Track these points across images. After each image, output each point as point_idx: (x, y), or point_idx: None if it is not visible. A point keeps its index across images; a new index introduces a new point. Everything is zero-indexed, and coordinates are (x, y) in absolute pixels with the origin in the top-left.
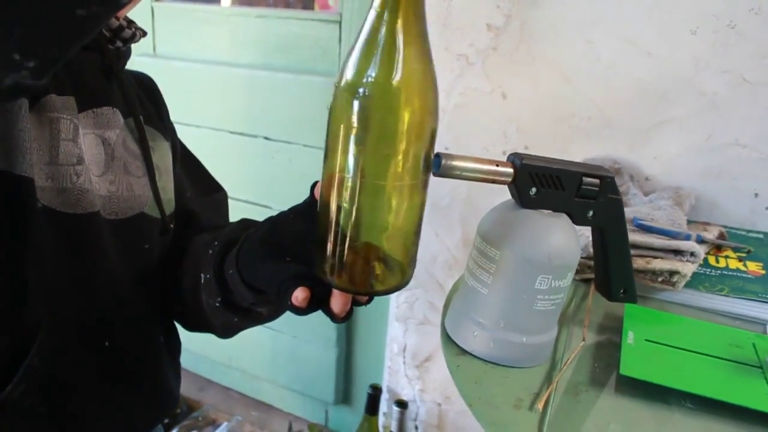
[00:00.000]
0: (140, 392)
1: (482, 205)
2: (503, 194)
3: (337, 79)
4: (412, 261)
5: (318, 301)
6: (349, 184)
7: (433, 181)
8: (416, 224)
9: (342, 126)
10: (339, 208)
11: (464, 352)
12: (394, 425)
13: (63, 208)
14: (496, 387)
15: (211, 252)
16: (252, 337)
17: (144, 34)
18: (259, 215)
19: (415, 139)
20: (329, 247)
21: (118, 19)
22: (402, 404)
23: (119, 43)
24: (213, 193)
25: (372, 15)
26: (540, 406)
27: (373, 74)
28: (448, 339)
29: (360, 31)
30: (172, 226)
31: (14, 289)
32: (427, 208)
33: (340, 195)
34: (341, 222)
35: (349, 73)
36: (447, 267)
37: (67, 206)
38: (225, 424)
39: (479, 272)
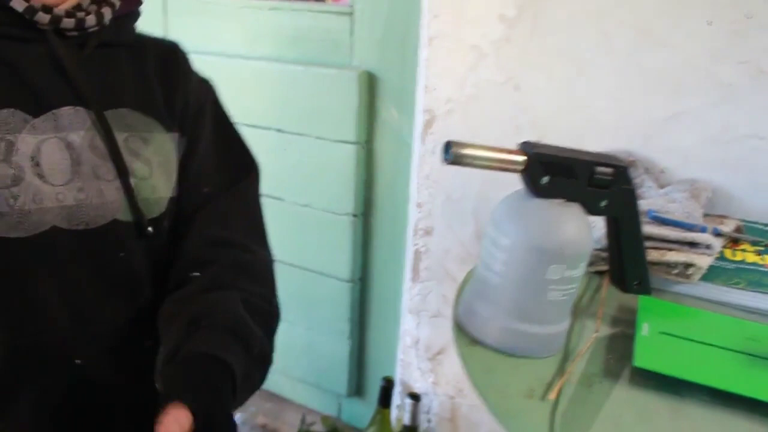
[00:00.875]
0: (127, 401)
1: (495, 198)
2: (517, 187)
3: None
4: None
5: None
6: None
7: (446, 173)
8: None
9: None
10: None
11: (476, 341)
12: (406, 418)
13: (4, 233)
14: (507, 377)
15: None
16: None
17: (112, 8)
18: (271, 207)
19: None
20: None
21: (50, 11)
22: (415, 397)
23: (74, 33)
24: (235, 184)
25: None
26: (552, 396)
27: None
28: (459, 329)
29: None
30: (150, 229)
31: None
32: (439, 201)
33: None
34: None
35: None
36: (459, 260)
37: (9, 230)
38: (238, 415)
39: (491, 261)
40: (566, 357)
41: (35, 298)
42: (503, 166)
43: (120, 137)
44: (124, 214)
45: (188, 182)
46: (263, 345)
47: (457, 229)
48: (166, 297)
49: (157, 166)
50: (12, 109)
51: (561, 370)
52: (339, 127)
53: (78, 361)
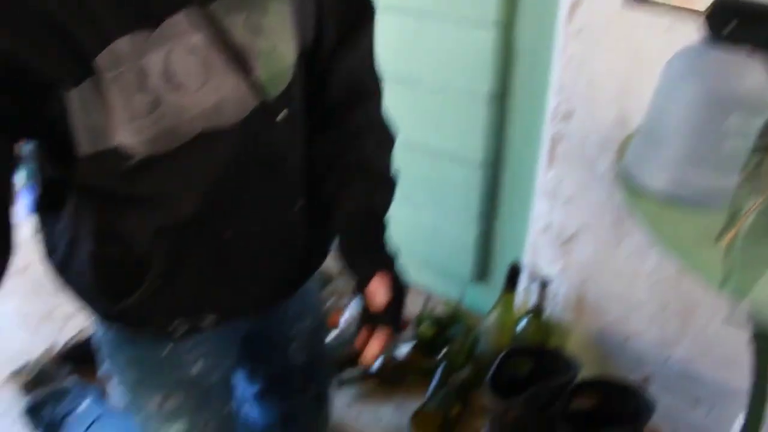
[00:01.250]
0: (280, 266)
1: (642, 83)
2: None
3: None
4: None
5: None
6: None
7: (590, 56)
8: None
9: None
10: None
11: (644, 191)
12: (532, 302)
13: (159, 150)
14: (678, 224)
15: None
16: (392, 210)
17: None
18: (408, 89)
19: None
20: None
21: None
22: (542, 282)
23: None
24: (357, 28)
25: None
26: (725, 242)
27: None
28: (626, 178)
29: None
30: (285, 112)
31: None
32: (582, 85)
33: None
34: None
35: None
36: (598, 146)
37: (161, 148)
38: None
39: (667, 110)
40: (736, 213)
41: (184, 189)
42: (687, 6)
43: (239, 19)
44: (261, 102)
45: (317, 33)
46: (396, 176)
47: (598, 114)
48: (313, 147)
49: (278, 34)
50: (128, 36)
51: (730, 223)
52: (479, 8)
53: (227, 235)
